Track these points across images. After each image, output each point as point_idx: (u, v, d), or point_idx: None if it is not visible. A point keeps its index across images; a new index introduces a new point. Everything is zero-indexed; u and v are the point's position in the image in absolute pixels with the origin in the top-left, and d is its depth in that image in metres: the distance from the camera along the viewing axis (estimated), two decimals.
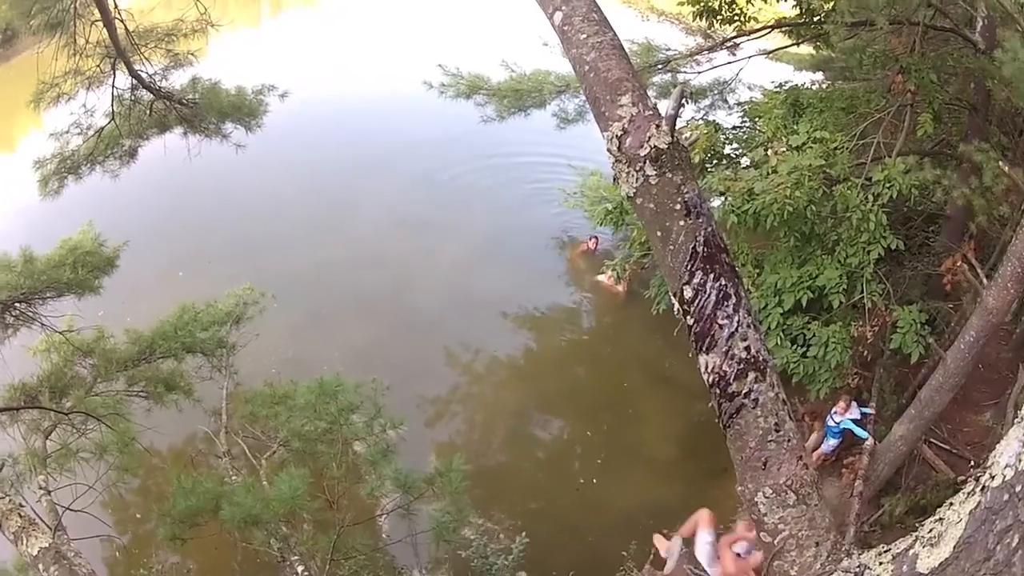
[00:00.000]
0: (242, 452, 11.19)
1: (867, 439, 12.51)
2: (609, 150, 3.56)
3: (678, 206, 3.40)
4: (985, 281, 11.08)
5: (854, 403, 12.69)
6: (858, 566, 3.18)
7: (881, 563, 3.01)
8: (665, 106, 3.56)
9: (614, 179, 3.59)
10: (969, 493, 2.68)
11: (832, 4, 12.37)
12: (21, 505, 5.59)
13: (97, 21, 9.43)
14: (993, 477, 2.59)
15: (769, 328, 12.50)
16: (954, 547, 2.63)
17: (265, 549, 9.04)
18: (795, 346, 12.52)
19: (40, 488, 9.04)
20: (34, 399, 9.95)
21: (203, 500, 8.49)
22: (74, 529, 8.89)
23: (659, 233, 3.47)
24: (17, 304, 9.77)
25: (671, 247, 3.43)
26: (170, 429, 12.13)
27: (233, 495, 8.52)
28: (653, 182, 3.42)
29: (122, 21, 9.64)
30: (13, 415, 9.69)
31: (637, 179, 3.45)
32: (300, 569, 8.91)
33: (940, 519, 2.76)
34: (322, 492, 9.27)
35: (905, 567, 2.82)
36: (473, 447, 14.43)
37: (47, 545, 5.03)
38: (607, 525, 13.03)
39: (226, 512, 8.22)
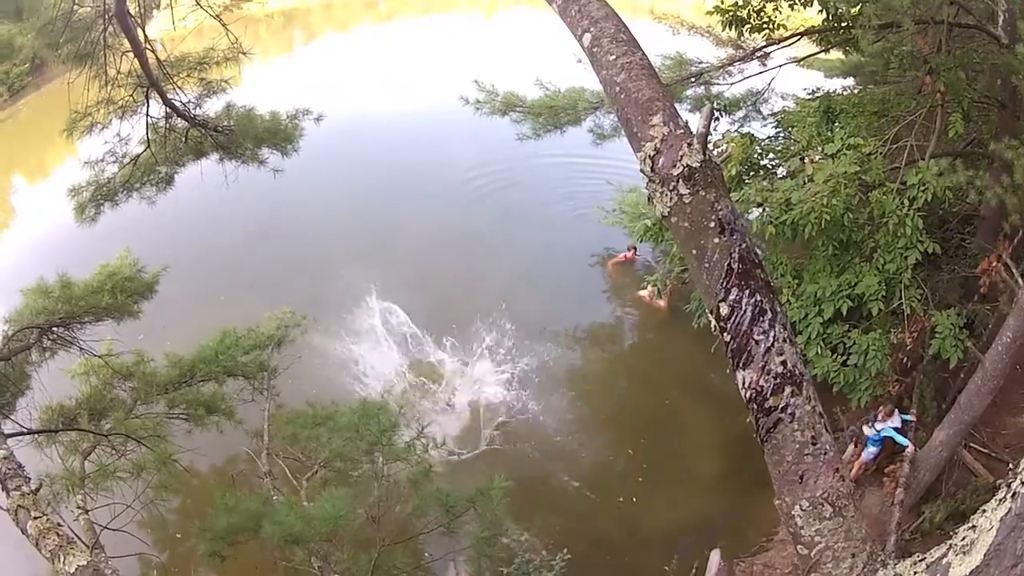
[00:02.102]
0: (283, 472, 11.24)
1: (908, 446, 12.37)
2: (642, 170, 3.58)
3: (712, 224, 3.40)
4: (1020, 281, 10.93)
5: (896, 410, 12.54)
6: None
7: (915, 572, 3.01)
8: (697, 122, 3.58)
9: (648, 199, 3.61)
10: (1000, 500, 2.67)
11: (858, 8, 12.28)
12: (59, 524, 5.64)
13: (128, 52, 9.53)
14: None
15: (809, 338, 12.41)
16: (985, 554, 2.64)
17: (305, 568, 9.06)
18: (835, 355, 12.41)
19: (78, 507, 9.14)
20: (72, 421, 10.03)
21: (244, 518, 8.55)
22: (113, 547, 9.00)
23: (694, 251, 3.48)
24: (55, 328, 9.91)
25: (706, 265, 3.44)
26: (211, 450, 12.24)
27: (274, 514, 8.57)
28: (687, 201, 3.43)
29: (153, 51, 9.75)
30: (51, 436, 9.82)
31: (671, 199, 3.47)
32: None
33: (973, 526, 2.77)
34: (363, 511, 9.29)
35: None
36: (515, 465, 14.42)
37: (85, 563, 5.07)
38: (648, 541, 13.05)
39: (267, 530, 8.28)
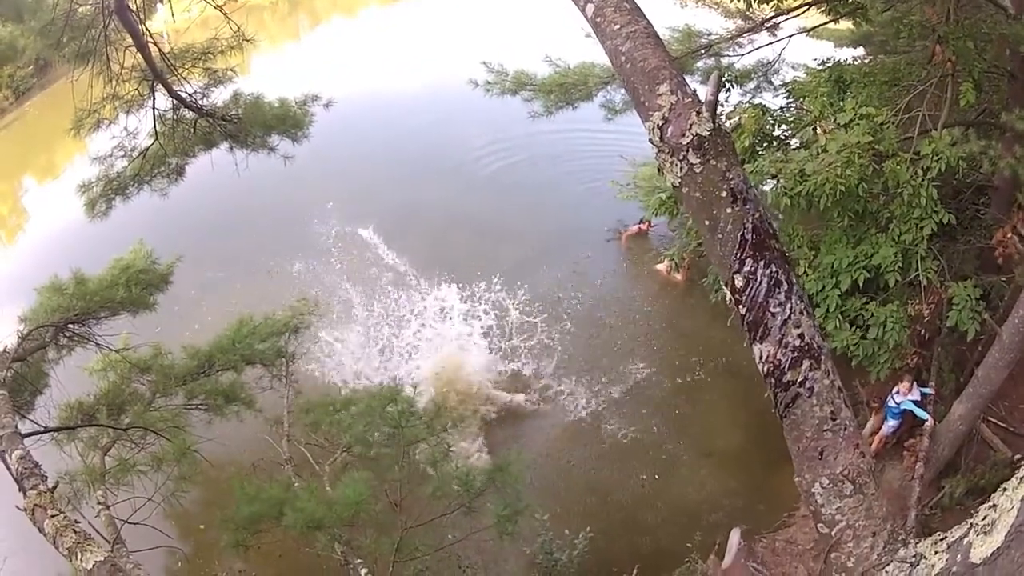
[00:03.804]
0: (305, 459, 11.22)
1: (927, 420, 12.30)
2: (651, 140, 3.52)
3: (724, 193, 3.35)
4: None
5: (915, 383, 12.47)
6: (914, 556, 3.14)
7: (936, 552, 2.97)
8: (705, 90, 3.52)
9: (659, 169, 3.56)
10: (1021, 479, 2.62)
11: None
12: (76, 521, 5.65)
13: (130, 46, 9.52)
14: None
15: (828, 311, 12.28)
16: (1006, 536, 2.58)
17: (328, 553, 9.06)
18: (854, 328, 12.29)
19: (99, 503, 9.09)
20: (91, 417, 10.01)
21: (266, 506, 8.53)
22: (137, 541, 9.01)
23: (707, 222, 3.42)
24: (70, 325, 9.93)
25: (719, 236, 3.39)
26: (232, 440, 12.26)
27: (296, 500, 8.56)
28: (698, 170, 3.38)
29: (155, 44, 9.72)
30: (70, 433, 9.83)
31: (681, 168, 3.41)
32: (364, 572, 8.91)
33: (994, 505, 2.71)
34: (385, 494, 9.29)
35: (959, 556, 2.79)
36: (536, 446, 14.55)
37: (102, 559, 5.06)
38: (671, 518, 13.13)
39: (289, 517, 8.28)
